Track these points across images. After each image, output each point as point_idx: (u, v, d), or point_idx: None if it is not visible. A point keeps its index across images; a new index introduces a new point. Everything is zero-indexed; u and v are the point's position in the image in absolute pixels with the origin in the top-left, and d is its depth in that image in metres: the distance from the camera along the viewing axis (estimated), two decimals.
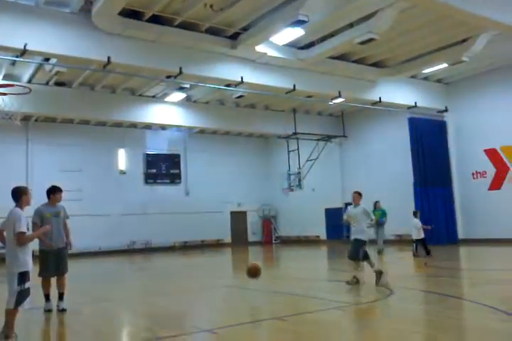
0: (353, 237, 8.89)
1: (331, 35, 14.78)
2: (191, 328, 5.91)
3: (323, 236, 25.44)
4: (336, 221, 24.62)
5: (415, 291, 8.08)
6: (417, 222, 14.41)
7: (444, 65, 16.79)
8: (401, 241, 20.70)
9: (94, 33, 12.89)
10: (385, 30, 13.51)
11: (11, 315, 4.98)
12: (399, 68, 17.79)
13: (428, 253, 13.82)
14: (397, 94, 19.32)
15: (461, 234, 19.73)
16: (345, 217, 9.53)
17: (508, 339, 4.77)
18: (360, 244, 8.64)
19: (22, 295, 4.99)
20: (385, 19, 13.09)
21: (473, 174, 19.73)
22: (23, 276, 5.01)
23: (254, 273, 7.72)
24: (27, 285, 5.04)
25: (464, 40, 15.60)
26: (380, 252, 15.02)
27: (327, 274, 11.86)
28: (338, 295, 7.79)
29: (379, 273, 8.54)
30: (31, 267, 5.17)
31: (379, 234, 15.32)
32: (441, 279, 9.28)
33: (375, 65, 17.81)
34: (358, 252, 8.60)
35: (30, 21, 12.13)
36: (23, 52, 12.21)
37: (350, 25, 14.11)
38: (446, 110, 20.51)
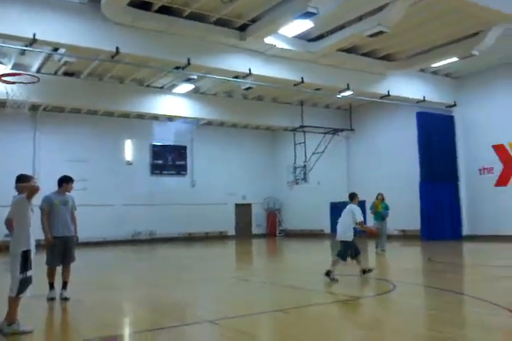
0: (339, 239, 8.67)
1: (341, 27, 14.69)
2: (193, 318, 5.95)
3: (328, 230, 25.42)
4: (341, 215, 24.59)
5: (417, 286, 8.10)
6: None
7: (454, 59, 16.65)
8: (405, 236, 20.72)
9: (103, 24, 12.89)
10: (395, 23, 13.39)
11: (13, 302, 5.03)
12: (408, 62, 17.66)
13: None
14: (406, 87, 19.20)
15: (466, 230, 19.69)
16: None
17: (508, 335, 4.78)
18: (346, 245, 8.57)
19: (24, 283, 5.04)
20: (396, 12, 12.97)
21: (480, 170, 19.64)
22: (26, 255, 5.06)
23: None
24: (29, 273, 5.10)
25: (474, 34, 15.44)
26: (381, 252, 13.86)
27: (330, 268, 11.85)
28: (341, 289, 7.82)
29: (367, 271, 8.72)
30: (33, 249, 5.21)
31: (382, 229, 13.76)
32: (443, 274, 9.29)
33: (385, 58, 17.69)
34: (346, 253, 8.55)
35: (40, 11, 12.14)
36: (33, 42, 12.24)
37: (360, 18, 14.01)
38: (454, 105, 20.38)
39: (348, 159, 24.80)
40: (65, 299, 6.95)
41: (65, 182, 7.24)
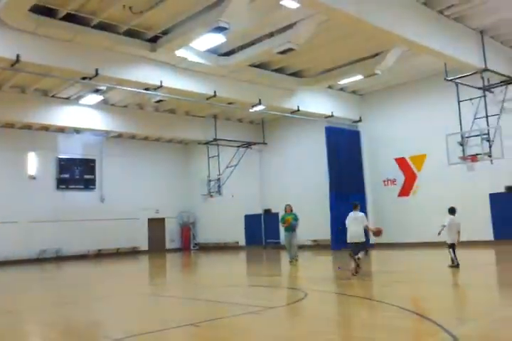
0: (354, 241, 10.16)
1: (252, 43, 14.96)
2: (102, 338, 5.66)
3: (243, 242, 25.57)
4: (255, 227, 24.89)
5: (328, 294, 8.30)
6: (453, 220, 10.81)
7: (359, 77, 17.53)
8: (318, 246, 21.33)
9: (2, 29, 12.10)
10: (304, 41, 13.87)
11: None
12: (316, 78, 18.35)
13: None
14: (315, 103, 19.93)
15: (372, 239, 20.60)
16: None
17: (412, 335, 5.00)
18: (362, 245, 10.16)
19: None
20: (304, 30, 13.45)
21: (384, 181, 20.77)
22: None
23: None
24: None
25: (377, 54, 16.40)
26: (292, 261, 13.89)
27: (244, 279, 11.88)
28: (253, 300, 7.84)
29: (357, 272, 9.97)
30: None
31: (291, 239, 13.87)
32: (352, 282, 9.61)
33: (295, 74, 18.25)
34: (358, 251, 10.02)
35: None
36: None
37: (271, 35, 14.36)
38: (360, 120, 21.44)
39: (261, 172, 25.16)
40: None
41: None
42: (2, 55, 12.47)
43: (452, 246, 10.70)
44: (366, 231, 10.34)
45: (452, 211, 10.97)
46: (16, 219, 21.37)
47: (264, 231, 24.74)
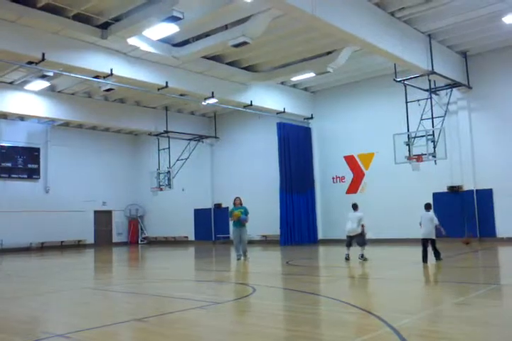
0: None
1: (206, 35, 14.79)
2: (42, 334, 5.41)
3: (192, 237, 25.38)
4: (205, 222, 24.75)
5: (276, 289, 8.34)
6: (433, 216, 10.85)
7: (311, 74, 17.70)
8: (267, 241, 21.47)
9: None
10: (258, 36, 13.83)
11: None
12: (270, 74, 18.39)
13: (438, 256, 10.87)
14: (268, 98, 19.98)
15: (321, 235, 20.99)
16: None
17: (358, 329, 5.09)
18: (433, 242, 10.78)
19: None
20: (259, 24, 13.40)
21: (333, 178, 21.12)
22: None
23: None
24: None
25: (329, 52, 16.61)
26: (241, 258, 13.12)
27: (192, 274, 11.77)
28: (201, 295, 7.76)
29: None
30: None
31: (241, 235, 13.16)
32: (300, 277, 9.71)
33: (248, 68, 18.21)
34: None
35: None
36: None
37: (225, 27, 14.24)
38: (311, 117, 21.68)
39: (212, 166, 25.03)
40: None
41: None
42: None
43: (431, 241, 10.60)
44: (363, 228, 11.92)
45: (427, 206, 11.07)
46: None
47: (214, 226, 24.65)
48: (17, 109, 18.78)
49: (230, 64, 17.58)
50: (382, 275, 9.63)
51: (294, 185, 20.60)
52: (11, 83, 18.14)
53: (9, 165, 22.89)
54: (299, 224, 20.61)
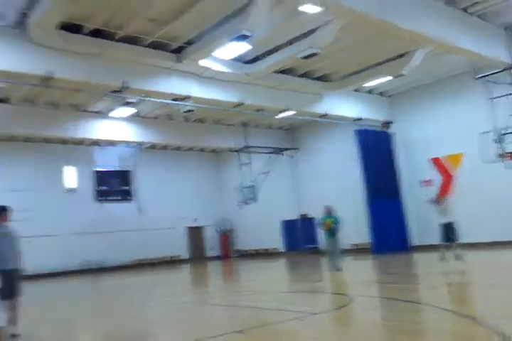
0: None
1: (276, 49, 15.01)
2: None
3: (281, 248, 25.49)
4: (293, 232, 24.79)
5: (373, 298, 8.13)
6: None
7: (386, 79, 17.29)
8: (358, 250, 20.97)
9: (33, 47, 12.56)
10: (327, 45, 13.82)
11: None
12: (343, 82, 18.21)
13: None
14: (343, 107, 19.75)
15: (415, 241, 20.16)
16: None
17: (463, 339, 4.83)
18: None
19: None
20: (327, 34, 13.40)
21: (421, 182, 20.28)
22: None
23: None
24: None
25: (402, 55, 16.15)
26: (334, 268, 12.65)
27: (286, 285, 11.79)
28: (297, 306, 7.74)
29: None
30: None
31: (334, 245, 12.75)
32: (397, 285, 9.39)
33: (320, 78, 18.16)
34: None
35: None
36: None
37: (294, 40, 14.36)
38: (390, 122, 21.09)
39: (294, 177, 25.09)
40: (13, 336, 6.43)
41: None
42: (34, 72, 12.93)
43: None
44: None
45: None
46: (58, 232, 21.94)
47: (303, 237, 24.61)
48: (107, 136, 20.10)
49: (302, 75, 17.65)
50: (484, 281, 9.04)
51: (379, 191, 20.03)
52: (98, 112, 19.47)
53: (105, 188, 24.34)
54: (389, 231, 19.95)
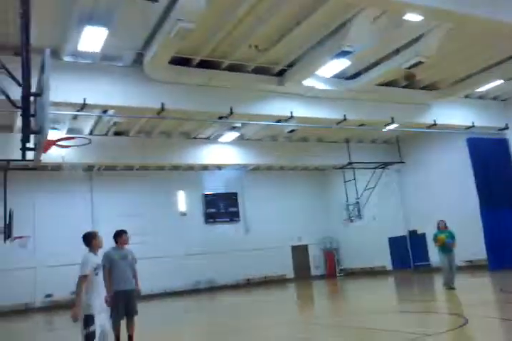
0: None
1: (378, 62, 14.75)
2: None
3: (389, 266, 24.56)
4: (401, 250, 23.82)
5: (491, 319, 7.54)
6: None
7: (499, 82, 16.25)
8: (473, 266, 19.62)
9: (147, 83, 13.51)
10: (433, 53, 13.31)
11: None
12: (451, 89, 17.37)
13: None
14: (453, 115, 18.78)
15: None
16: None
17: None
18: None
19: (88, 338, 5.14)
20: (432, 41, 12.94)
21: None
22: (87, 320, 5.17)
23: None
24: (92, 328, 5.18)
25: None
26: (448, 285, 12.17)
27: (397, 305, 11.32)
28: (410, 327, 7.39)
29: None
30: (99, 310, 5.29)
31: (448, 261, 12.18)
32: None
33: (427, 87, 17.50)
34: None
35: (88, 77, 12.88)
36: (83, 106, 12.94)
37: (397, 51, 14.03)
38: (506, 127, 19.68)
39: (401, 192, 24.22)
40: None
41: (118, 236, 7.42)
42: (150, 106, 13.87)
43: None
44: None
45: None
46: (172, 253, 22.99)
47: (412, 254, 23.55)
48: (215, 160, 20.96)
49: (407, 86, 17.13)
50: None
51: (495, 202, 18.63)
52: (207, 138, 20.36)
53: (213, 210, 25.26)
54: (508, 246, 18.45)
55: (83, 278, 5.28)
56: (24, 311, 19.50)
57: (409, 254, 23.65)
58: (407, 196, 23.95)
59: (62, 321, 14.81)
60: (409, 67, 13.90)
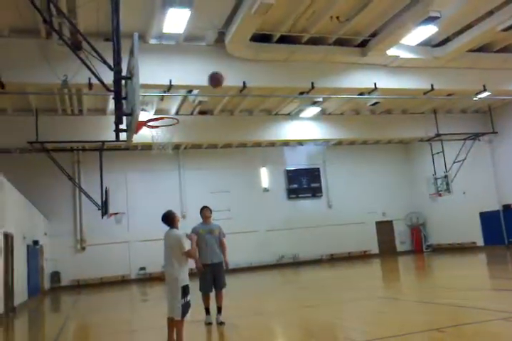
0: None
1: (468, 26, 13.84)
2: (343, 340, 5.82)
3: (480, 242, 23.47)
4: (494, 225, 22.64)
5: None
6: None
7: None
8: None
9: (230, 61, 13.65)
10: None
11: (179, 325, 5.53)
12: None
13: None
14: None
15: None
16: None
17: None
18: None
19: (185, 307, 5.53)
20: None
21: None
22: (185, 290, 5.57)
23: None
24: (188, 298, 5.60)
25: None
26: None
27: (488, 283, 10.82)
28: (501, 305, 7.02)
29: None
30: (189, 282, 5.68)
31: None
32: None
33: None
34: None
35: (172, 58, 13.30)
36: (169, 88, 13.39)
37: (490, 13, 13.08)
38: None
39: (494, 164, 22.85)
40: (220, 323, 7.23)
41: (200, 211, 7.70)
42: (232, 84, 14.00)
43: None
44: None
45: None
46: (255, 228, 23.52)
47: (506, 229, 22.31)
48: (296, 136, 20.91)
49: (500, 51, 15.97)
50: None
51: None
52: (288, 114, 20.33)
53: (296, 186, 25.36)
54: None
55: (187, 253, 5.67)
56: (121, 282, 21.00)
57: (502, 229, 22.44)
58: (500, 168, 22.58)
59: (155, 292, 15.79)
60: (505, 30, 12.94)
